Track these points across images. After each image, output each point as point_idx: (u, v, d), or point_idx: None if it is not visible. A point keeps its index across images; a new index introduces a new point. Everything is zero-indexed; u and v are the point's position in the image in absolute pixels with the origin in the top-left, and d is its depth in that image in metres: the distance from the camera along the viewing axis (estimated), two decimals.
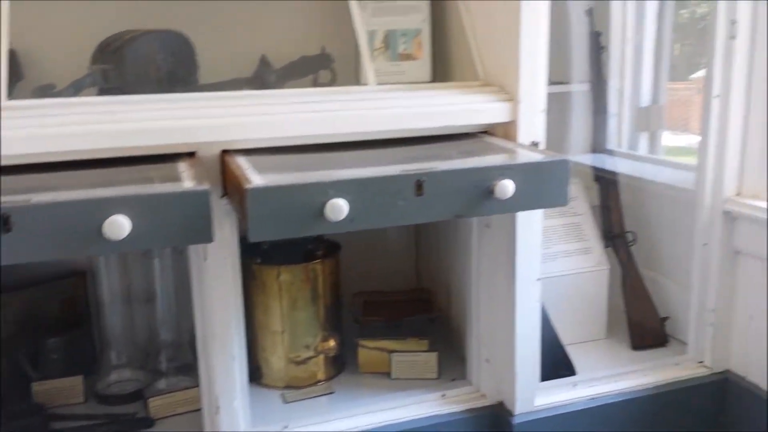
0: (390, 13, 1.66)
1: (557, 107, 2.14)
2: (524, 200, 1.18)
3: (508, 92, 1.44)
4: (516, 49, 1.39)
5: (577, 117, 2.10)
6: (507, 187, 1.14)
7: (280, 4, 1.75)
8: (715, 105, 1.57)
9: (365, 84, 1.47)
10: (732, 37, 1.52)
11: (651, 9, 2.06)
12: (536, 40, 1.39)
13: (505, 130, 1.45)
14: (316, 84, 1.72)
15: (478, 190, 1.15)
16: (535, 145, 1.43)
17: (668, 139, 2.13)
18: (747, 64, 1.53)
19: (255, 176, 1.09)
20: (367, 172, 1.14)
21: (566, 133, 2.16)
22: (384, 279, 1.93)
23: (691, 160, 1.71)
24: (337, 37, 1.70)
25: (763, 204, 1.53)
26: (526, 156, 1.28)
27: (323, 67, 1.71)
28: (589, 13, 1.89)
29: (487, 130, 1.48)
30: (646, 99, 2.14)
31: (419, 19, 1.66)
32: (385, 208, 1.11)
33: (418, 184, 1.11)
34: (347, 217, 1.07)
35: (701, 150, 1.62)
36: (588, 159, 1.96)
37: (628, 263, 1.86)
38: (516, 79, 1.41)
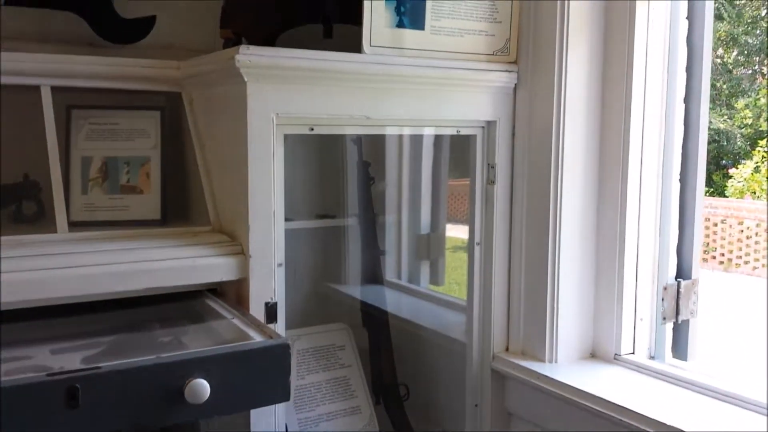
0: (111, 136, 1.38)
1: (331, 240, 1.96)
2: (227, 402, 0.91)
3: (240, 243, 1.20)
4: (245, 194, 1.17)
5: (354, 250, 1.92)
6: (200, 388, 0.87)
7: None
8: (477, 253, 1.43)
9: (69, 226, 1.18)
10: (491, 182, 1.41)
11: (427, 141, 1.96)
12: (269, 184, 1.18)
13: (237, 288, 1.21)
14: (18, 217, 1.38)
15: (161, 394, 0.87)
16: (270, 307, 1.19)
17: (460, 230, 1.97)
18: (507, 210, 1.42)
19: None
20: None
21: (342, 269, 1.97)
22: None
23: None
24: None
25: (530, 364, 1.38)
26: (235, 336, 1.03)
27: (26, 197, 1.39)
28: (357, 142, 1.73)
29: (217, 287, 1.22)
30: (425, 227, 2.02)
31: (148, 146, 1.39)
32: (22, 427, 0.79)
33: (71, 392, 0.81)
34: None
35: (468, 300, 1.47)
36: (360, 295, 1.76)
37: (401, 423, 1.64)
38: (246, 230, 1.17)
